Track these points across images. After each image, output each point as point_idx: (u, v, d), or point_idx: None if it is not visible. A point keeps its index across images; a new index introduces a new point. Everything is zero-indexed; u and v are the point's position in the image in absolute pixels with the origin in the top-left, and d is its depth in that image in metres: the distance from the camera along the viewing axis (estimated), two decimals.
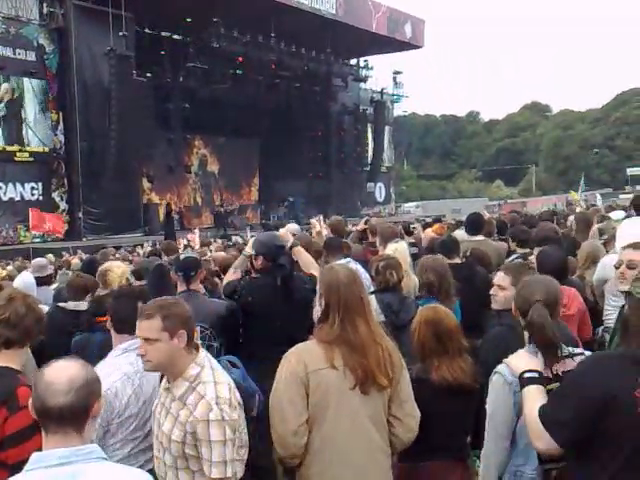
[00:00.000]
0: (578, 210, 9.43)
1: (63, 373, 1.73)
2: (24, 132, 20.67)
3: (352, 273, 2.66)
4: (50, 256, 12.59)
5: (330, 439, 2.43)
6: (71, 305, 4.12)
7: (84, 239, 20.35)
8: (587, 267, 4.25)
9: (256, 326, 3.84)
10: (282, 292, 3.86)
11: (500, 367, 2.38)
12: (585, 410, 1.96)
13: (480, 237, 6.22)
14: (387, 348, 2.53)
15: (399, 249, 4.84)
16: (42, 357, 1.88)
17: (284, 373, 2.46)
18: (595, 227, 5.34)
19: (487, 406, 2.41)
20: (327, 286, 2.58)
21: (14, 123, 20.47)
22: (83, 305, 4.08)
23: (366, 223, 7.22)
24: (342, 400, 2.44)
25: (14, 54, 20.13)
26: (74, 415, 1.71)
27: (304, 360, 2.46)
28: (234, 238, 16.64)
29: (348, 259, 4.79)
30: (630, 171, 49.02)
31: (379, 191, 37.24)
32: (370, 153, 35.63)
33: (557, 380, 2.24)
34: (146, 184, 25.61)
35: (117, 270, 4.72)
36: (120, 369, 2.65)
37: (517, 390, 2.28)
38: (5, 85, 20.09)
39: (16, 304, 2.58)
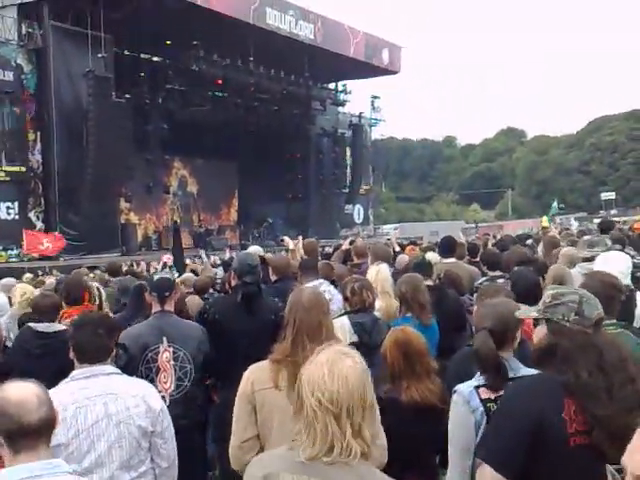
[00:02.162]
0: (550, 234, 9.59)
1: (28, 391, 1.78)
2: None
3: (316, 297, 2.70)
4: (28, 275, 12.46)
5: None
6: (41, 326, 3.98)
7: (61, 259, 20.11)
8: None
9: (223, 344, 3.87)
10: (245, 310, 3.90)
11: (459, 386, 2.42)
12: (521, 434, 1.97)
13: (453, 259, 6.33)
14: None
15: (381, 271, 4.90)
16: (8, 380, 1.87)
17: (239, 390, 2.54)
18: (563, 250, 5.46)
19: (449, 426, 2.45)
20: (288, 307, 2.65)
21: None
22: (55, 327, 3.97)
23: (351, 244, 7.24)
24: (285, 421, 2.40)
25: None
26: (48, 428, 1.78)
27: (252, 379, 2.53)
28: (212, 258, 16.61)
29: (321, 281, 4.85)
30: (604, 196, 49.91)
31: (357, 213, 37.45)
32: (349, 175, 35.89)
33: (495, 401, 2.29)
34: (124, 204, 25.47)
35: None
36: (56, 396, 2.49)
37: (476, 408, 2.33)
38: None
39: None
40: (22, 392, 1.78)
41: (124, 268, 12.53)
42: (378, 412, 2.60)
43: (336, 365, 1.64)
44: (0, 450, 1.78)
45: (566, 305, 2.05)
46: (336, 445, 1.58)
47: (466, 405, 2.36)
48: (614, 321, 2.95)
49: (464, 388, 2.40)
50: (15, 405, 1.74)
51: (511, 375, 2.37)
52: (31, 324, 4.02)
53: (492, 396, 2.30)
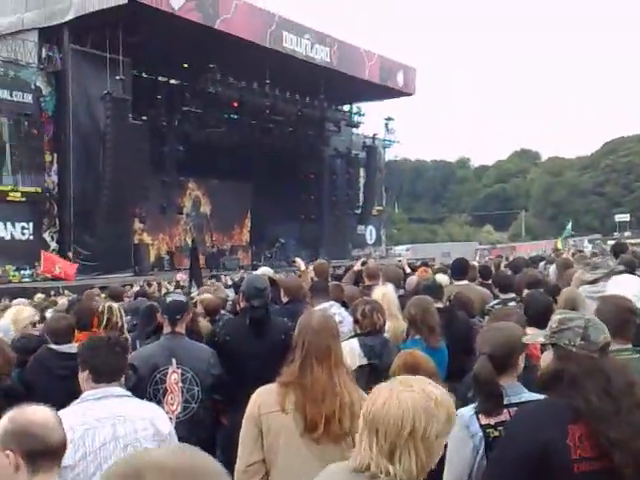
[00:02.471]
0: (564, 256, 9.55)
1: (48, 412, 1.86)
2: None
3: (325, 320, 2.69)
4: (40, 296, 12.57)
5: None
6: (64, 347, 3.94)
7: (73, 279, 20.28)
8: None
9: (232, 366, 3.87)
10: (254, 333, 3.90)
11: (461, 410, 2.39)
12: (524, 461, 1.98)
13: (464, 282, 6.31)
14: (349, 400, 2.49)
15: (387, 293, 4.89)
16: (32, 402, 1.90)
17: (246, 413, 2.53)
18: (577, 274, 5.43)
19: (447, 451, 2.45)
20: (298, 329, 2.65)
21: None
22: (74, 347, 3.86)
23: (363, 264, 7.20)
24: (291, 445, 2.43)
25: (11, 96, 20.40)
26: (63, 450, 1.86)
27: (260, 402, 2.52)
28: (224, 278, 16.70)
29: (332, 303, 4.85)
30: (618, 217, 49.61)
31: (370, 234, 37.46)
32: (361, 196, 35.96)
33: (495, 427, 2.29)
34: (137, 224, 25.67)
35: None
36: (65, 417, 2.49)
37: (475, 433, 2.32)
38: None
39: None
40: (44, 413, 1.84)
41: (135, 288, 12.62)
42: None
43: (398, 388, 1.69)
44: (15, 476, 1.79)
45: (572, 330, 2.05)
46: (372, 463, 1.62)
47: (465, 430, 2.34)
48: (629, 346, 2.89)
49: (465, 412, 2.38)
50: (40, 426, 1.80)
51: (507, 401, 2.36)
52: (51, 345, 3.99)
53: (492, 422, 2.29)
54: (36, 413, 1.83)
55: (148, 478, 1.03)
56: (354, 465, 1.67)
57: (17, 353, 3.86)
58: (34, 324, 4.90)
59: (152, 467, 1.05)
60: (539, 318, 3.78)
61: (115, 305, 4.63)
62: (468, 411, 2.38)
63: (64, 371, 3.74)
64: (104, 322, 4.46)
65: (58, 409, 2.15)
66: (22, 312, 5.03)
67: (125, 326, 4.59)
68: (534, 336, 2.36)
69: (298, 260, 7.70)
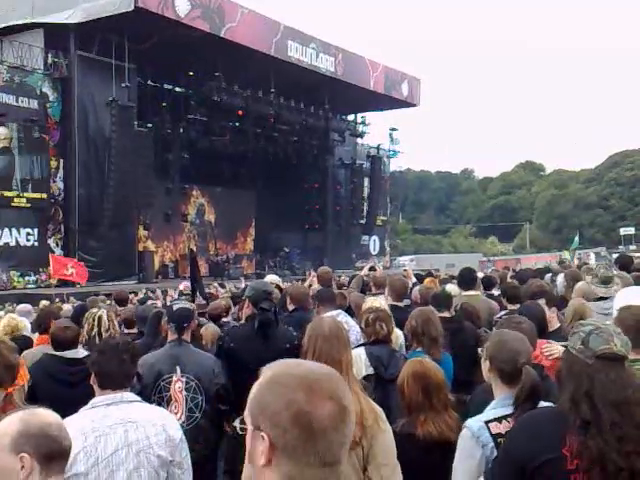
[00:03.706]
0: (572, 268, 9.48)
1: (55, 415, 1.83)
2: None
3: (337, 327, 2.66)
4: (45, 302, 12.53)
5: None
6: (69, 353, 3.90)
7: (77, 285, 20.25)
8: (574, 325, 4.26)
9: (237, 374, 3.83)
10: (261, 337, 3.87)
11: (469, 421, 2.38)
12: (514, 473, 1.97)
13: (472, 292, 6.25)
14: (359, 409, 2.47)
15: (377, 303, 4.84)
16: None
17: None
18: (578, 285, 5.37)
19: (455, 460, 2.40)
20: (308, 336, 2.61)
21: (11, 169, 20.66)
22: (81, 353, 3.91)
23: (370, 269, 7.15)
24: None
25: (17, 102, 20.48)
26: (70, 454, 1.83)
27: None
28: (227, 286, 16.62)
29: (339, 311, 4.80)
30: (623, 231, 49.53)
31: (373, 244, 37.42)
32: (366, 207, 35.96)
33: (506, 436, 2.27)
34: (142, 232, 25.68)
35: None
36: (76, 424, 2.51)
37: (486, 443, 2.28)
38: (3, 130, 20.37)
39: None
40: (55, 416, 1.81)
41: (140, 295, 12.60)
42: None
43: None
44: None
45: (578, 334, 2.06)
46: None
47: (473, 440, 2.32)
48: None
49: (473, 423, 2.37)
50: (56, 427, 1.77)
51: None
52: (56, 352, 3.94)
53: (503, 431, 2.26)
54: (48, 415, 1.80)
55: None
56: None
57: None
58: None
59: None
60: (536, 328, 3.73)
61: (104, 315, 4.59)
62: (476, 422, 2.35)
63: (73, 377, 3.69)
64: (93, 331, 4.43)
65: (63, 415, 2.10)
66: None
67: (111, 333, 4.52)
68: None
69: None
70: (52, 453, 1.73)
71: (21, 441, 1.71)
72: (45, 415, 1.79)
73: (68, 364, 3.84)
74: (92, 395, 2.74)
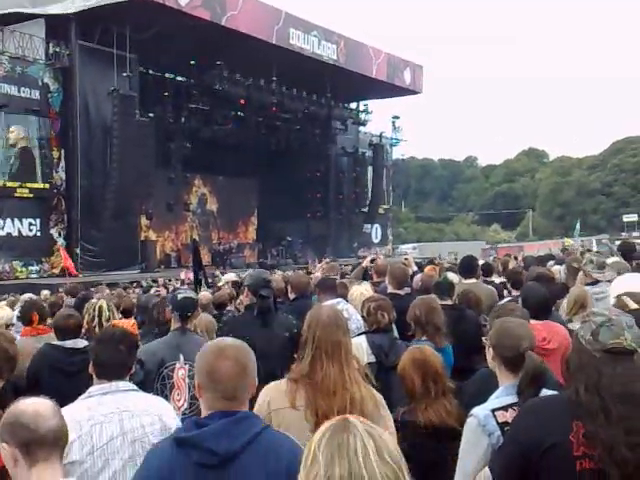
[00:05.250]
0: (572, 256, 9.45)
1: (42, 402, 1.85)
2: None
3: (336, 315, 2.66)
4: (45, 292, 12.58)
5: None
6: (69, 343, 3.92)
7: (80, 275, 20.34)
8: (575, 312, 4.28)
9: None
10: (261, 326, 3.88)
11: (475, 409, 2.37)
12: (519, 455, 1.98)
13: (473, 280, 6.25)
14: (360, 395, 2.47)
15: (364, 292, 4.83)
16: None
17: (254, 409, 2.49)
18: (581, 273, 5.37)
19: (460, 448, 2.40)
20: (307, 324, 2.61)
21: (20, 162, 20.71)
22: (81, 343, 3.93)
23: (372, 262, 7.16)
24: (302, 441, 2.41)
25: (19, 92, 20.45)
26: (62, 438, 1.84)
27: (268, 398, 2.49)
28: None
29: (339, 300, 4.81)
30: (626, 217, 49.41)
31: (376, 232, 37.41)
32: (368, 195, 35.92)
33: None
34: (144, 221, 25.72)
35: None
36: (72, 412, 2.52)
37: (492, 432, 2.28)
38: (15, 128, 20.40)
39: None
40: (37, 403, 1.83)
41: (143, 284, 12.62)
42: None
43: None
44: (14, 469, 1.79)
45: (589, 324, 2.03)
46: None
47: (479, 429, 2.31)
48: None
49: (480, 411, 2.35)
50: (31, 415, 1.79)
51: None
52: (56, 342, 3.96)
53: (509, 419, 2.26)
54: (28, 404, 1.83)
55: None
56: None
57: None
58: (7, 326, 4.92)
59: None
60: (538, 309, 3.74)
61: (105, 305, 4.62)
62: (483, 410, 2.34)
63: (75, 367, 3.72)
64: (95, 322, 4.44)
65: (63, 404, 2.12)
66: None
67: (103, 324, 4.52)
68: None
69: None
70: (28, 441, 1.76)
71: (2, 431, 1.80)
72: (23, 404, 1.83)
73: (67, 354, 3.86)
74: (90, 385, 2.76)
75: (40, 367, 3.90)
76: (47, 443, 1.78)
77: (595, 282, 4.92)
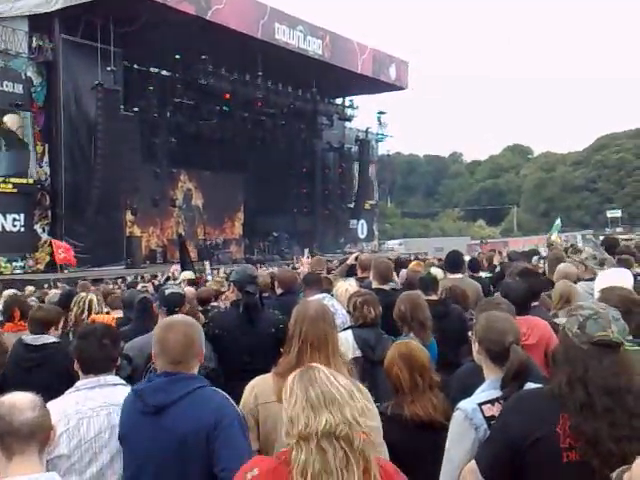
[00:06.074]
0: (554, 250, 9.53)
1: (21, 396, 1.86)
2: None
3: (323, 309, 2.68)
4: (30, 288, 12.49)
5: None
6: (29, 339, 3.83)
7: (65, 271, 20.16)
8: (560, 307, 4.31)
9: (223, 359, 3.85)
10: (246, 321, 3.89)
11: (462, 403, 2.38)
12: (507, 450, 2.00)
13: (459, 275, 6.29)
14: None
15: (349, 289, 4.84)
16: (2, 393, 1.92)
17: (241, 403, 2.51)
18: (560, 266, 5.42)
19: (447, 442, 2.41)
20: (294, 319, 2.62)
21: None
22: (44, 339, 3.83)
23: (356, 259, 7.19)
24: None
25: (1, 86, 20.21)
26: (41, 430, 1.82)
27: (255, 392, 2.52)
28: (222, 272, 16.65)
29: (325, 295, 4.82)
30: (610, 213, 49.88)
31: (362, 228, 37.46)
32: (355, 190, 35.95)
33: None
34: (129, 217, 25.55)
35: None
36: (60, 406, 2.54)
37: (479, 425, 2.30)
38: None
39: None
40: (15, 397, 1.84)
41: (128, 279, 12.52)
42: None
43: None
44: None
45: (576, 317, 2.05)
46: None
47: (466, 422, 2.31)
48: (630, 338, 2.87)
49: (466, 405, 2.36)
50: (7, 407, 1.80)
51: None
52: (22, 337, 3.92)
53: (496, 413, 2.27)
54: (7, 397, 1.84)
55: None
56: None
57: None
58: None
59: None
60: (518, 305, 3.77)
61: (94, 299, 4.59)
62: (470, 404, 2.35)
63: (28, 363, 3.69)
64: (84, 315, 4.42)
65: None
66: None
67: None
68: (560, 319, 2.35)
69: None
70: (2, 432, 1.77)
71: None
72: (3, 397, 1.84)
73: (27, 350, 3.79)
74: (46, 382, 2.78)
75: (8, 362, 3.89)
76: (22, 436, 1.77)
77: (593, 277, 4.96)
